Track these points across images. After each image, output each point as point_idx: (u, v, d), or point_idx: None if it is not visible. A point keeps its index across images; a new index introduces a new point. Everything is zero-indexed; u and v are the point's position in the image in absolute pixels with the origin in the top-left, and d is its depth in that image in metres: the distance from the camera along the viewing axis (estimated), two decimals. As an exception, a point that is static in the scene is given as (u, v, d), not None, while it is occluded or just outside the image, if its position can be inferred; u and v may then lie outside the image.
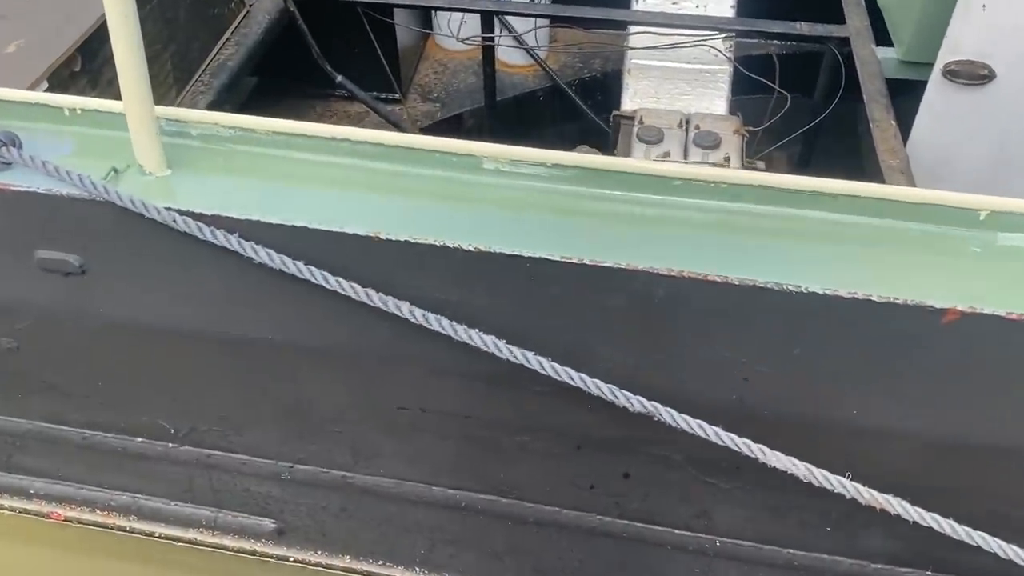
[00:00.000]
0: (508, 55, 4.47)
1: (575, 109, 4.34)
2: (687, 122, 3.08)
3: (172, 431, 2.29)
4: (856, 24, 3.39)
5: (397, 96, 4.32)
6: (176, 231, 1.78)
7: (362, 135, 1.92)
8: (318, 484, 2.33)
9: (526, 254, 1.71)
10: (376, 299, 1.76)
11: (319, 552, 2.61)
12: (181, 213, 1.77)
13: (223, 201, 1.80)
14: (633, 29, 3.55)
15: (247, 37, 3.48)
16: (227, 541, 2.65)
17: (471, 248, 1.72)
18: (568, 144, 3.01)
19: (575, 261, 1.70)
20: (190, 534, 2.67)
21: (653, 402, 1.73)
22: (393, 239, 1.74)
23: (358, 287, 1.75)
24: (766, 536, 2.13)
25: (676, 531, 2.18)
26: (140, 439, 2.35)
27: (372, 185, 1.87)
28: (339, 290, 1.75)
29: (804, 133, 3.56)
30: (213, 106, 3.10)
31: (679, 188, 1.82)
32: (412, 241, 1.74)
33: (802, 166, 3.78)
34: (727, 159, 2.88)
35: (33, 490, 2.64)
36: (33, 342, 2.14)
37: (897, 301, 1.62)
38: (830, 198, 1.79)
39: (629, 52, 3.55)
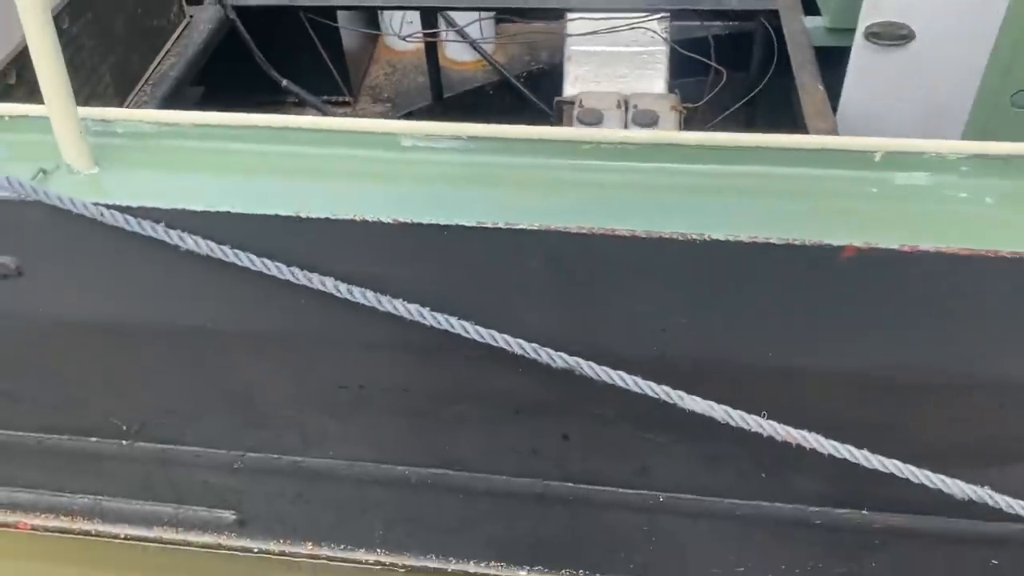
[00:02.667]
0: (456, 52, 4.55)
1: (523, 100, 4.41)
2: (625, 102, 3.15)
3: (124, 428, 2.34)
4: None
5: (347, 99, 4.38)
6: (106, 225, 1.83)
7: (282, 121, 1.98)
8: (272, 471, 2.38)
9: (443, 223, 1.77)
10: (301, 276, 1.81)
11: (281, 541, 2.66)
12: (108, 207, 1.82)
13: (150, 193, 1.86)
14: (571, 16, 3.63)
15: (188, 47, 3.52)
16: (191, 536, 2.70)
17: (390, 221, 1.78)
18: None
19: (490, 226, 1.76)
20: (155, 532, 2.71)
21: (575, 357, 1.79)
22: (314, 217, 1.80)
23: (283, 266, 1.81)
24: (705, 487, 2.19)
25: (619, 490, 2.24)
26: (94, 439, 2.39)
27: (294, 169, 1.93)
28: (265, 271, 1.81)
29: (742, 107, 3.64)
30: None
31: (589, 152, 1.89)
32: (333, 218, 1.80)
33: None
34: None
35: (-3, 499, 2.69)
36: (-23, 347, 2.18)
37: (796, 242, 1.68)
38: (733, 151, 1.86)
39: (569, 39, 3.62)
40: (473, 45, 4.43)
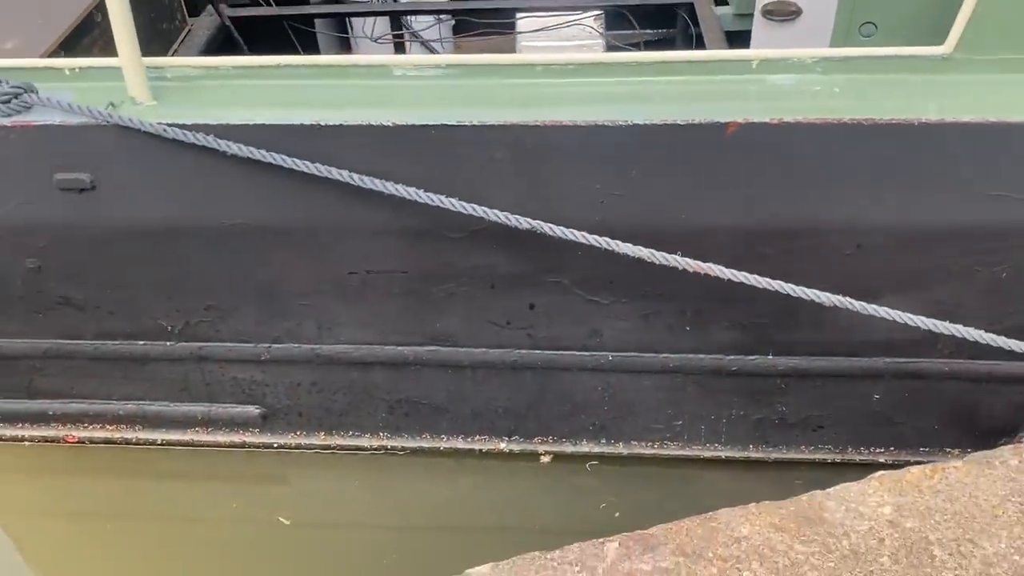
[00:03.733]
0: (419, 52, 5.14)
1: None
2: None
3: (169, 328, 2.84)
4: None
5: None
6: (164, 140, 2.37)
7: (299, 60, 2.55)
8: (292, 360, 2.89)
9: (430, 123, 2.34)
10: (322, 170, 2.36)
11: (298, 433, 3.16)
12: (169, 125, 2.36)
13: (197, 115, 2.40)
14: (520, 16, 4.24)
15: (191, 49, 4.07)
16: (219, 436, 3.19)
17: (389, 123, 2.34)
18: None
19: (466, 123, 2.33)
20: (188, 435, 3.19)
21: (536, 220, 2.35)
22: (332, 124, 2.35)
23: (308, 163, 2.35)
24: (643, 344, 2.75)
25: (577, 352, 2.79)
26: (143, 342, 2.89)
27: (311, 98, 2.48)
28: (294, 167, 2.35)
29: None
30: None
31: (540, 71, 2.48)
32: (346, 124, 2.35)
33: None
34: None
35: (52, 412, 3.15)
36: (52, 259, 2.67)
37: (695, 121, 2.28)
38: (648, 65, 2.46)
39: (520, 36, 4.23)
40: (426, 45, 5.04)
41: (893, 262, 2.47)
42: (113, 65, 2.48)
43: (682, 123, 2.29)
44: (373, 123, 2.35)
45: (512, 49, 5.16)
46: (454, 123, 2.34)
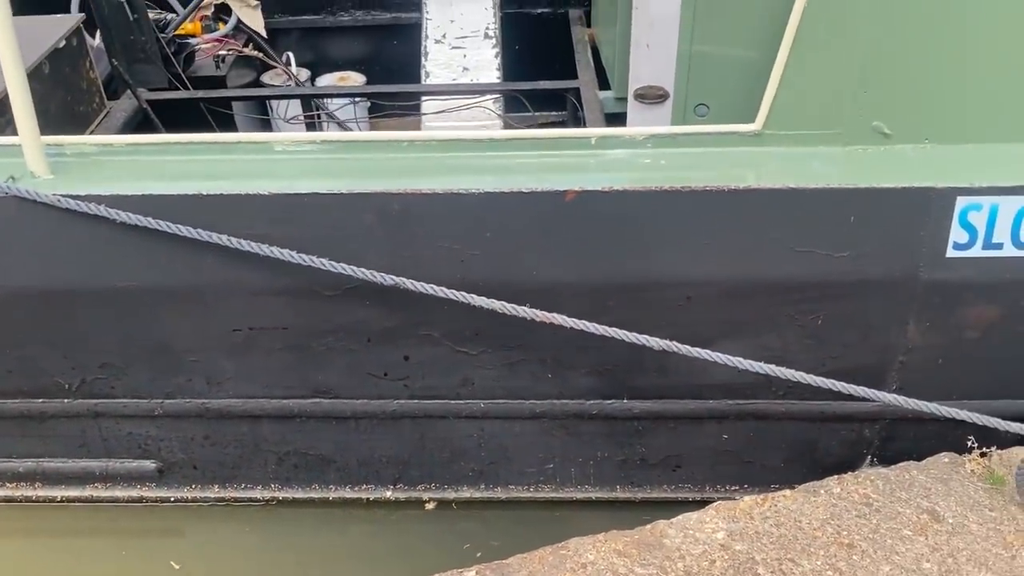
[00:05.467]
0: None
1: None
2: None
3: (66, 386, 3.00)
4: (585, 78, 4.49)
5: None
6: (60, 209, 2.59)
7: (186, 138, 2.81)
8: (184, 415, 3.08)
9: (304, 191, 2.61)
10: (205, 235, 2.60)
11: (193, 486, 3.31)
12: (63, 196, 2.59)
13: (92, 187, 2.63)
14: (425, 99, 4.58)
15: (108, 131, 4.30)
16: (117, 491, 3.33)
17: (266, 192, 2.61)
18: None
19: (337, 192, 2.61)
20: (87, 491, 3.33)
21: (400, 277, 2.61)
22: (214, 193, 2.61)
23: (191, 229, 2.59)
24: (512, 391, 3.00)
25: (451, 401, 3.03)
26: (41, 400, 3.05)
27: (198, 171, 2.73)
28: (179, 232, 2.59)
29: None
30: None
31: (406, 147, 2.78)
32: (226, 193, 2.61)
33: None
34: None
35: (-50, 472, 3.26)
36: (-51, 321, 2.85)
37: (538, 189, 2.59)
38: (508, 141, 2.78)
39: (424, 118, 4.56)
40: (340, 125, 5.36)
41: (721, 312, 2.78)
42: (14, 143, 2.72)
43: (526, 191, 2.60)
44: (251, 192, 2.62)
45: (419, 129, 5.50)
46: (325, 191, 2.61)
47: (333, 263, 2.62)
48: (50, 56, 3.64)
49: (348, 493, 3.31)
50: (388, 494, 3.32)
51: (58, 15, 4.53)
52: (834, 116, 2.66)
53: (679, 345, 2.60)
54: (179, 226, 2.60)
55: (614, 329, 2.61)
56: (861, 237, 2.64)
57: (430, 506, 3.34)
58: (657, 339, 2.59)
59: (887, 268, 2.69)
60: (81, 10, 4.86)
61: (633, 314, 2.74)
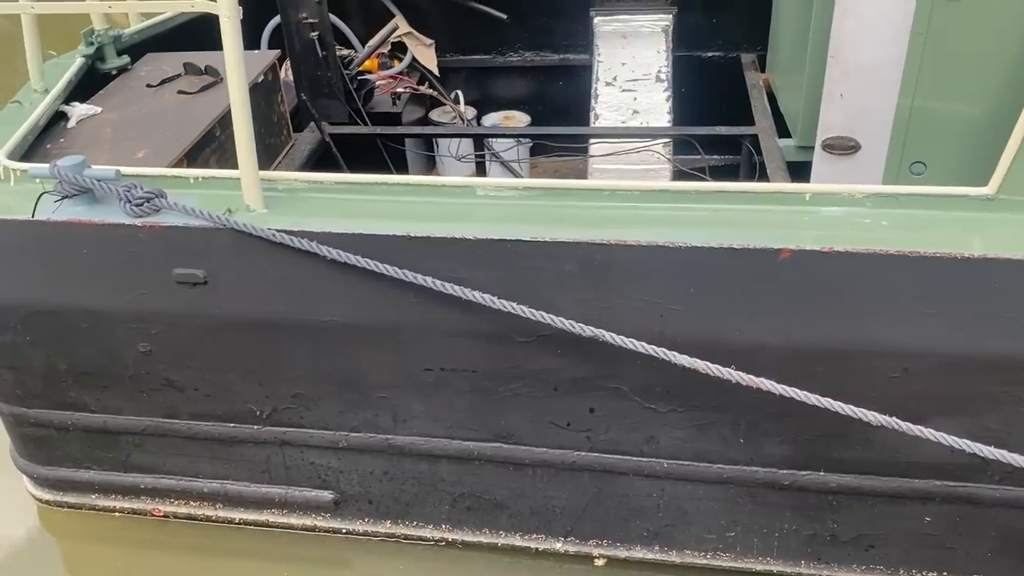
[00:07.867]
0: (497, 173, 5.52)
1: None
2: None
3: (258, 413, 3.09)
4: (763, 124, 4.37)
5: None
6: (273, 243, 2.68)
7: (394, 179, 2.87)
8: (366, 449, 3.10)
9: (508, 237, 2.60)
10: (408, 276, 2.63)
11: (367, 520, 3.34)
12: (277, 231, 2.67)
13: (304, 223, 2.71)
14: (593, 141, 4.56)
15: (294, 161, 4.49)
16: (293, 519, 3.39)
17: (471, 237, 2.61)
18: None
19: (540, 240, 2.59)
20: (264, 516, 3.40)
21: (600, 329, 2.56)
22: (420, 235, 2.63)
23: (396, 268, 2.62)
24: (698, 453, 2.88)
25: (633, 458, 2.93)
26: (232, 424, 3.14)
27: (403, 212, 2.78)
28: (384, 272, 2.62)
29: None
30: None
31: (607, 196, 2.74)
32: (432, 236, 2.63)
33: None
34: None
35: (143, 485, 3.40)
36: (162, 344, 2.98)
37: (749, 246, 2.49)
38: (714, 194, 2.69)
39: (592, 160, 4.54)
40: (505, 165, 5.40)
41: (939, 387, 2.58)
42: (232, 176, 2.83)
43: (738, 247, 2.50)
44: (456, 236, 2.62)
45: (584, 171, 5.49)
46: (528, 239, 2.59)
47: (532, 310, 2.59)
48: (250, 90, 3.84)
49: (518, 541, 3.26)
50: (558, 546, 3.24)
51: (256, 51, 4.78)
52: (1080, 183, 2.45)
53: (898, 421, 2.42)
54: (384, 265, 2.63)
55: (827, 400, 2.46)
56: None
57: (599, 562, 3.24)
58: (875, 413, 2.42)
59: None
60: (271, 46, 5.12)
61: (841, 382, 2.58)
